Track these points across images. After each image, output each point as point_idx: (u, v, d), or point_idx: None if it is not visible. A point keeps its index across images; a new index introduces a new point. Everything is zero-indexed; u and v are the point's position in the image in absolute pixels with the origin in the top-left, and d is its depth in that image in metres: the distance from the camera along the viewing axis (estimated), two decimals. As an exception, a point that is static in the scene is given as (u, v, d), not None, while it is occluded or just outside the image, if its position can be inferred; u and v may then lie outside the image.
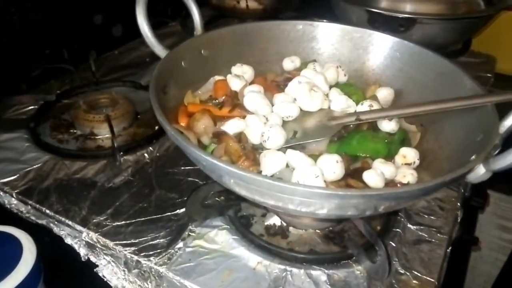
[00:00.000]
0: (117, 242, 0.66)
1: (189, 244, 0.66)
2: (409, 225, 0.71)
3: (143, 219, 0.70)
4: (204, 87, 0.73)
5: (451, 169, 0.50)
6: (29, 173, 0.78)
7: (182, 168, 0.81)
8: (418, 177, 0.60)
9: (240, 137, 0.62)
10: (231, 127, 0.63)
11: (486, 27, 1.18)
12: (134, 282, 0.65)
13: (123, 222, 0.69)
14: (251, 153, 0.60)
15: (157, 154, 0.85)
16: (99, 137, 0.88)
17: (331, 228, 0.69)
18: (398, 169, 0.61)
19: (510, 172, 0.51)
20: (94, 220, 0.69)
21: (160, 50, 0.70)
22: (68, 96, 1.01)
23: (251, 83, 0.73)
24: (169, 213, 0.71)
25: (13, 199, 0.74)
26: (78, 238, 0.68)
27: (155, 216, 0.71)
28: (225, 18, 1.40)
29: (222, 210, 0.70)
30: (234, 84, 0.71)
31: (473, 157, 0.52)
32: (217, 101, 0.70)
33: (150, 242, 0.66)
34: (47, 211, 0.71)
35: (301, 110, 0.66)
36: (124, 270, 0.65)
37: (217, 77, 0.74)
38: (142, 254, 0.64)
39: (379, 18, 1.00)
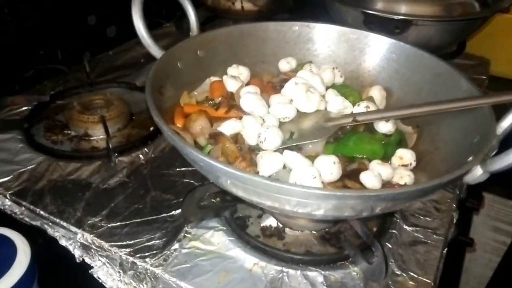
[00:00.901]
0: (112, 243, 0.65)
1: (185, 245, 0.65)
2: (405, 226, 0.71)
3: (138, 220, 0.70)
4: (200, 88, 0.73)
5: (448, 171, 0.50)
6: (23, 174, 0.77)
7: (178, 169, 0.80)
8: (414, 179, 0.60)
9: (236, 138, 0.62)
10: (227, 128, 0.63)
11: (481, 30, 1.18)
12: (130, 283, 0.64)
13: (118, 223, 0.69)
14: (247, 154, 0.59)
15: (152, 156, 0.84)
16: (93, 138, 0.88)
17: (327, 229, 0.69)
18: (395, 171, 0.61)
19: (504, 174, 0.51)
20: (89, 221, 0.69)
21: (156, 51, 0.70)
22: (62, 97, 1.00)
23: (247, 84, 0.73)
24: (165, 214, 0.71)
25: (6, 200, 0.73)
26: (73, 239, 0.68)
27: (151, 217, 0.70)
28: (220, 19, 1.40)
29: (218, 211, 0.70)
30: (230, 85, 0.71)
31: (471, 158, 0.52)
32: (213, 102, 0.70)
33: (146, 243, 0.65)
34: (42, 212, 0.70)
35: (297, 111, 0.66)
36: (119, 272, 0.65)
37: (213, 78, 0.74)
38: (137, 255, 0.64)
39: (375, 19, 1.00)
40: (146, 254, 0.64)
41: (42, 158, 0.81)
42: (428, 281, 0.63)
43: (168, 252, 0.64)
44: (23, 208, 0.72)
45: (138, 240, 0.66)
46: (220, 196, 0.71)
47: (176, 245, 0.65)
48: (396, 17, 0.99)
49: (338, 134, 0.64)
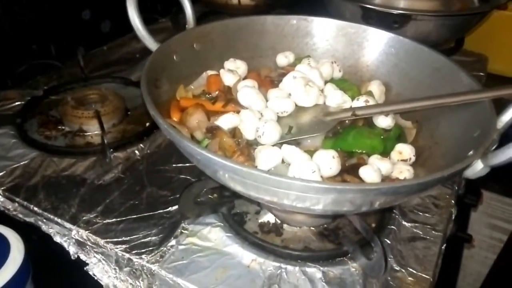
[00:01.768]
0: (108, 240, 0.64)
1: (182, 241, 0.65)
2: (403, 222, 0.71)
3: (134, 216, 0.69)
4: (197, 82, 0.72)
5: (447, 165, 0.49)
6: (16, 170, 0.76)
7: (174, 165, 0.79)
8: (414, 174, 0.60)
9: (234, 132, 0.61)
10: (225, 122, 0.62)
11: (479, 26, 1.18)
12: (126, 280, 0.63)
13: (114, 219, 0.68)
14: (245, 149, 0.59)
15: (148, 151, 0.83)
16: (88, 133, 0.87)
17: (325, 225, 0.68)
18: (394, 165, 0.60)
19: (501, 171, 0.51)
20: (84, 218, 0.68)
21: (151, 44, 0.68)
22: (56, 92, 0.98)
23: (245, 78, 0.72)
24: (161, 211, 0.70)
25: (-1, 196, 0.72)
26: (68, 236, 0.67)
27: (147, 214, 0.69)
28: (217, 14, 1.39)
29: (215, 207, 0.69)
30: (228, 79, 0.70)
31: (471, 152, 0.52)
32: (210, 95, 0.69)
33: (142, 240, 0.65)
34: (35, 209, 0.69)
35: (296, 105, 0.65)
36: (115, 269, 0.64)
37: (210, 72, 0.72)
38: (133, 252, 0.63)
39: (373, 14, 0.99)
40: (143, 250, 0.63)
41: (35, 154, 0.79)
42: (427, 277, 0.63)
43: (165, 248, 0.63)
44: (17, 205, 0.70)
45: (134, 236, 0.65)
46: (217, 192, 0.70)
47: (173, 242, 0.64)
48: (395, 11, 0.99)
49: (337, 129, 0.63)
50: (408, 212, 0.73)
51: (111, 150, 0.81)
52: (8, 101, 0.94)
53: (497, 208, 1.31)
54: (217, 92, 0.69)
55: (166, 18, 1.39)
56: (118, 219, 0.68)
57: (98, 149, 0.82)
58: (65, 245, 0.67)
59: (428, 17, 1.01)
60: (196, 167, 0.56)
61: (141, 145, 0.84)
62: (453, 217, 0.75)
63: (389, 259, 0.64)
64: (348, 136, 0.62)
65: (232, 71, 0.71)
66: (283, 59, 0.76)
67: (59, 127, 0.88)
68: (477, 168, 0.52)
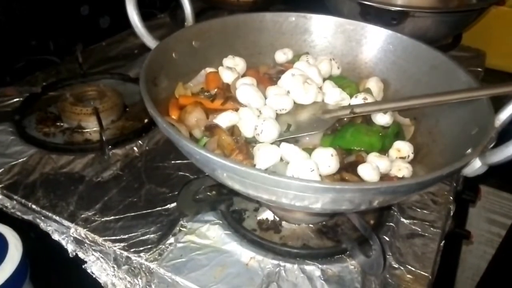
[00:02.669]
0: (106, 237, 0.64)
1: (180, 239, 0.65)
2: (402, 219, 0.71)
3: (132, 214, 0.69)
4: (195, 79, 0.72)
5: (446, 163, 0.49)
6: (14, 167, 0.76)
7: (173, 162, 0.79)
8: (412, 171, 0.60)
9: (233, 130, 0.61)
10: (223, 120, 0.62)
11: (477, 22, 1.18)
12: (124, 278, 0.63)
13: (112, 217, 0.68)
14: (244, 147, 0.58)
15: (147, 148, 0.83)
16: (86, 130, 0.86)
17: (324, 223, 0.69)
18: (393, 163, 0.60)
19: (499, 166, 0.51)
20: (82, 215, 0.67)
21: (150, 41, 0.68)
22: (54, 88, 0.98)
23: (243, 75, 0.72)
24: (160, 208, 0.70)
25: (-3, 194, 0.72)
26: (66, 234, 0.67)
27: (145, 211, 0.69)
28: (215, 11, 1.38)
29: (214, 205, 0.69)
30: (226, 76, 0.70)
31: (469, 150, 0.52)
32: (209, 93, 0.69)
33: (140, 238, 0.64)
34: (33, 206, 0.69)
35: (294, 103, 0.65)
36: (113, 267, 0.64)
37: (209, 69, 0.72)
38: (132, 250, 0.63)
39: (371, 11, 0.99)
40: (141, 248, 0.63)
41: (34, 151, 0.79)
42: (425, 274, 0.63)
43: (163, 246, 0.63)
44: (15, 202, 0.70)
45: (132, 234, 0.65)
46: (216, 189, 0.70)
47: (171, 239, 0.64)
48: (393, 8, 0.98)
49: (336, 126, 0.63)
50: (406, 208, 0.73)
51: (110, 147, 0.81)
52: (6, 98, 0.93)
53: (495, 202, 1.31)
54: (215, 90, 0.68)
55: (165, 13, 1.39)
56: (117, 217, 0.68)
57: (96, 146, 0.81)
58: (63, 243, 0.67)
59: (426, 14, 1.01)
60: (194, 164, 0.56)
61: (139, 141, 0.84)
62: (452, 214, 0.75)
63: (388, 257, 0.64)
64: (346, 133, 0.62)
65: (231, 68, 0.71)
66: (281, 56, 0.76)
67: (58, 123, 0.88)
68: (475, 166, 0.52)
